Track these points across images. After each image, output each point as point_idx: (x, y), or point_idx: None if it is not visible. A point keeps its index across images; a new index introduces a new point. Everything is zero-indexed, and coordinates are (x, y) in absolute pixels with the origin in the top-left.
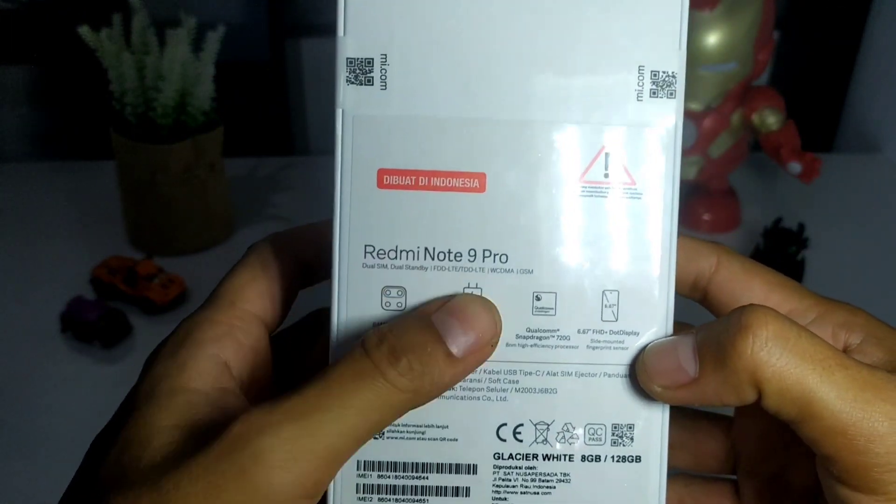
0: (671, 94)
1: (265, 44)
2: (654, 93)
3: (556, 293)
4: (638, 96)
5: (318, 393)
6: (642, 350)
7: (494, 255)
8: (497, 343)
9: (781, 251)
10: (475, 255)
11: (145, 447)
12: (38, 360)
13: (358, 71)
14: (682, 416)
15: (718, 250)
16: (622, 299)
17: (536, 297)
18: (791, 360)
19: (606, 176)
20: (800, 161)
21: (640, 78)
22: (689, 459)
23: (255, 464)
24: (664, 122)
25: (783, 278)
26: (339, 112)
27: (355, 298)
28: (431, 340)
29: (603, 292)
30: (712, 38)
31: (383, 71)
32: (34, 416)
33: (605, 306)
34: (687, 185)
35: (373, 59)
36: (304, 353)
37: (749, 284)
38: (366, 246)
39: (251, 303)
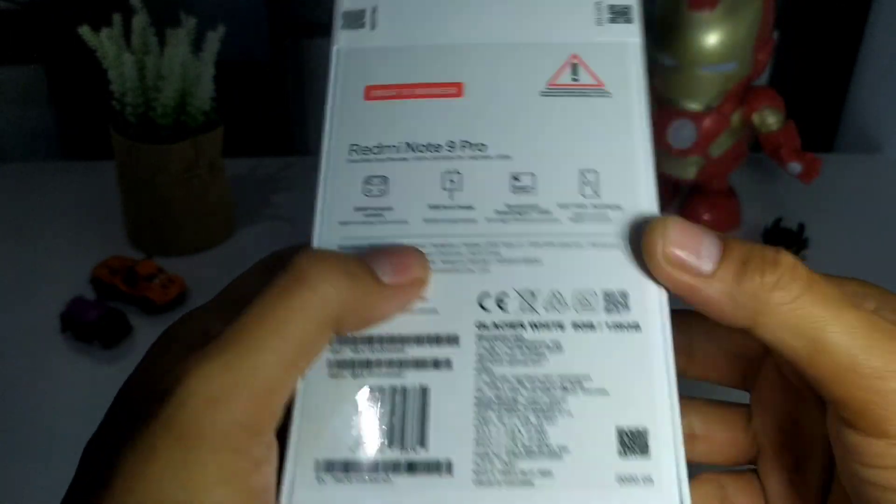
0: (629, 20)
1: (265, 44)
2: (612, 20)
3: (533, 173)
4: (598, 22)
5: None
6: (630, 223)
7: (472, 145)
8: (427, 281)
9: None
10: (454, 145)
11: None
12: (38, 360)
13: (352, 20)
14: (697, 409)
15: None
16: (601, 177)
17: (514, 177)
18: (808, 297)
19: (575, 80)
20: (800, 161)
21: (598, 10)
22: (709, 450)
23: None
24: (626, 38)
25: None
26: (334, 50)
27: (338, 188)
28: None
29: (581, 171)
30: (712, 38)
31: (374, 18)
32: (34, 417)
33: (584, 183)
34: (687, 186)
35: (364, 9)
36: None
37: None
38: (351, 145)
39: None
